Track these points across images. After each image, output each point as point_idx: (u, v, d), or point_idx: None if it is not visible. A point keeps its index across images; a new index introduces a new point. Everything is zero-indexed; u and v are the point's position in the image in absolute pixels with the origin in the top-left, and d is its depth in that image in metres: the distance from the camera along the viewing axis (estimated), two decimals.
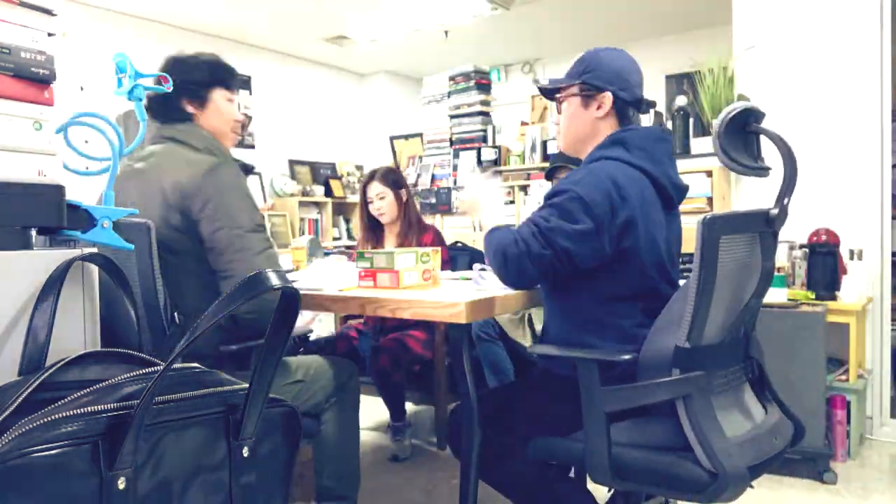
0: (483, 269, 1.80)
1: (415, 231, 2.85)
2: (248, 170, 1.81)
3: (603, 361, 1.39)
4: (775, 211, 1.35)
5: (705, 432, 1.29)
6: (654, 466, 1.36)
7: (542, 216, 1.49)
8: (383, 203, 2.85)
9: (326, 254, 3.06)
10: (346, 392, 1.72)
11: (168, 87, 1.46)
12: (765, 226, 1.36)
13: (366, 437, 3.05)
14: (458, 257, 2.99)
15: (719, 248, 1.27)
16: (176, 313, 1.53)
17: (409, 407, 3.40)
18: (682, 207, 3.15)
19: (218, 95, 1.80)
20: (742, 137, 1.41)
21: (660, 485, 1.36)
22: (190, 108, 1.75)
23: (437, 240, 2.88)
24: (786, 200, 1.36)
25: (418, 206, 4.28)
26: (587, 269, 1.49)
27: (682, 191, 1.63)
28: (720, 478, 1.26)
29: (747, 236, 1.36)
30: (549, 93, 1.73)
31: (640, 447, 1.39)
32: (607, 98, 1.60)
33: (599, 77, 1.61)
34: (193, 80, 1.75)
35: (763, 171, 1.43)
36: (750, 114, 1.41)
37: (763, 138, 1.43)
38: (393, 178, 2.88)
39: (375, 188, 2.85)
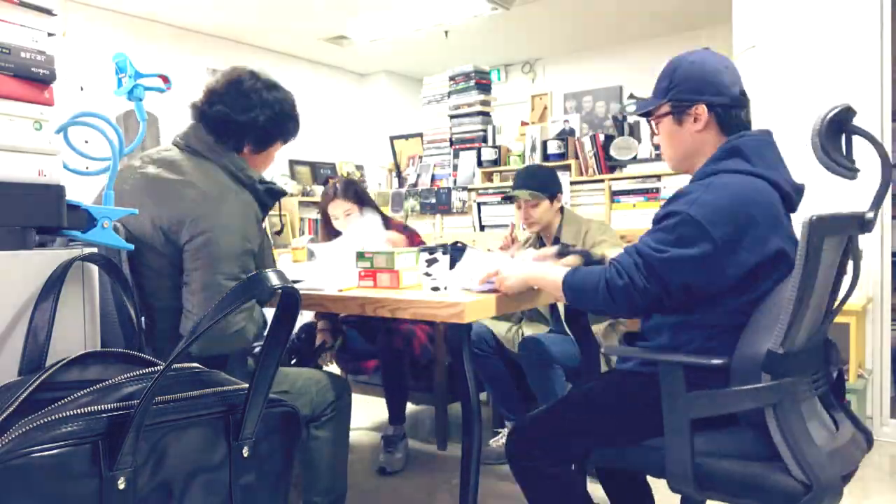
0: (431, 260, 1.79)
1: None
2: (277, 194, 1.67)
3: (690, 366, 1.32)
4: (871, 214, 1.31)
5: (797, 441, 1.24)
6: (741, 477, 1.30)
7: (649, 244, 1.37)
8: (351, 220, 2.65)
9: None
10: (339, 409, 1.70)
11: (168, 87, 1.45)
12: (858, 229, 1.32)
13: (365, 436, 3.05)
14: (457, 257, 2.97)
15: (822, 251, 1.23)
16: (143, 317, 1.50)
17: (411, 407, 3.40)
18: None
19: (276, 148, 1.72)
20: (836, 138, 1.36)
21: (747, 496, 1.30)
22: (246, 151, 1.65)
23: (408, 233, 2.76)
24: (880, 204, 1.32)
25: (417, 207, 4.29)
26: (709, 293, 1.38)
27: (801, 192, 1.48)
28: (814, 489, 1.22)
29: (839, 239, 1.32)
30: (644, 115, 1.63)
31: (722, 456, 1.33)
32: (701, 110, 1.47)
33: (686, 89, 1.48)
34: (268, 131, 1.64)
35: (853, 173, 1.37)
36: (848, 113, 1.35)
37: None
38: (354, 190, 2.69)
39: (340, 206, 2.66)
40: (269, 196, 1.64)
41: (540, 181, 2.60)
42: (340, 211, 2.69)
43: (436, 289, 1.70)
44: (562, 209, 2.66)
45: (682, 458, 1.32)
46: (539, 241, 2.76)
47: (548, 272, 1.57)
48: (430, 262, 1.79)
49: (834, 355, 1.44)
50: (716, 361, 1.31)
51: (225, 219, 1.49)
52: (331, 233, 2.77)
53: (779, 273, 1.35)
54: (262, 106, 1.61)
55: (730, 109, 1.48)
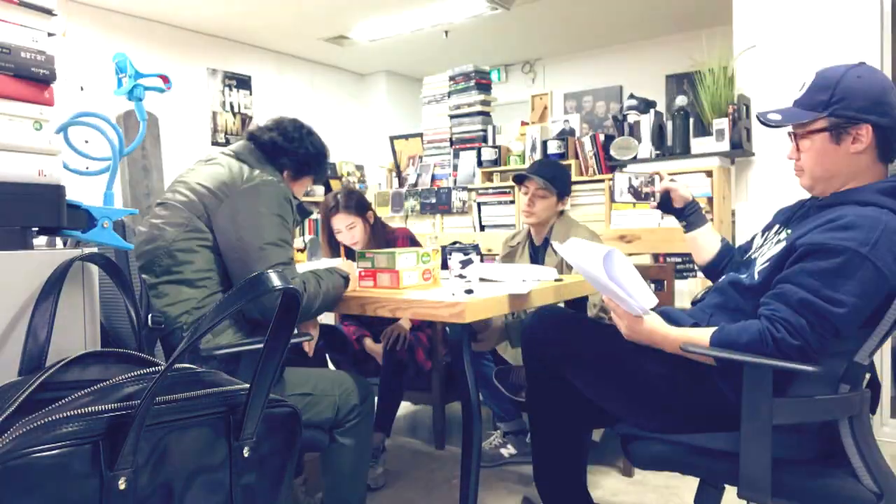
0: (464, 261, 1.78)
1: (383, 246, 2.64)
2: (305, 212, 1.87)
3: (779, 370, 1.27)
4: None
5: (871, 451, 1.26)
6: (814, 484, 1.29)
7: (829, 298, 1.24)
8: (355, 232, 2.65)
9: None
10: (362, 415, 1.71)
11: (168, 87, 1.46)
12: None
13: None
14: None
15: None
16: (150, 315, 1.53)
17: (408, 407, 3.40)
18: None
19: (306, 180, 1.94)
20: None
21: (819, 503, 1.29)
22: (285, 175, 1.86)
23: (411, 242, 2.76)
24: None
25: (417, 207, 4.28)
26: None
27: None
28: (886, 498, 1.23)
29: None
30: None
31: (787, 461, 1.31)
32: (866, 130, 1.35)
33: (852, 106, 1.35)
34: (306, 163, 1.88)
35: None
36: None
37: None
38: (356, 202, 2.66)
39: (343, 220, 2.63)
40: (300, 213, 1.84)
41: (555, 174, 2.57)
42: (343, 225, 2.65)
43: (469, 291, 1.68)
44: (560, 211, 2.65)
45: (760, 465, 1.27)
46: (529, 242, 2.73)
47: (689, 333, 1.41)
48: (465, 264, 1.79)
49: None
50: (809, 368, 1.24)
51: (263, 195, 1.67)
52: (333, 245, 2.75)
53: None
54: (305, 143, 1.88)
55: (893, 132, 1.38)
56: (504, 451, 2.59)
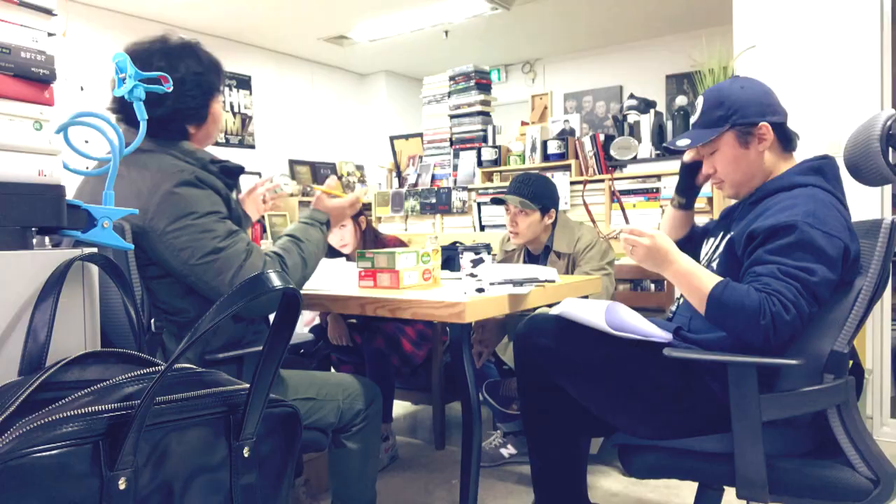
0: (476, 261, 1.78)
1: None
2: (234, 171, 1.55)
3: (764, 367, 1.30)
4: None
5: (862, 438, 1.27)
6: (808, 477, 1.30)
7: (801, 267, 1.31)
8: (345, 232, 2.66)
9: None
10: (369, 418, 1.67)
11: (168, 88, 1.45)
12: None
13: None
14: (454, 258, 2.95)
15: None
16: (153, 319, 1.48)
17: (408, 406, 3.40)
18: None
19: (215, 106, 1.62)
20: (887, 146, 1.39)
21: (817, 496, 1.30)
22: (192, 129, 1.57)
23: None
24: None
25: (417, 207, 4.28)
26: None
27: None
28: (882, 484, 1.25)
29: None
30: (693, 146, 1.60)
31: (781, 457, 1.32)
32: (766, 129, 1.50)
33: (748, 113, 1.50)
34: (197, 103, 1.55)
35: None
36: None
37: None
38: None
39: None
40: (227, 174, 1.53)
41: (534, 191, 2.50)
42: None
43: (481, 290, 1.68)
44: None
45: (755, 463, 1.29)
46: (526, 252, 2.70)
47: (697, 270, 1.43)
48: (476, 263, 1.78)
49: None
50: (792, 362, 1.28)
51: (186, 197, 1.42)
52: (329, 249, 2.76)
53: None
54: (185, 88, 1.51)
55: (785, 126, 1.54)
56: (504, 451, 2.60)
